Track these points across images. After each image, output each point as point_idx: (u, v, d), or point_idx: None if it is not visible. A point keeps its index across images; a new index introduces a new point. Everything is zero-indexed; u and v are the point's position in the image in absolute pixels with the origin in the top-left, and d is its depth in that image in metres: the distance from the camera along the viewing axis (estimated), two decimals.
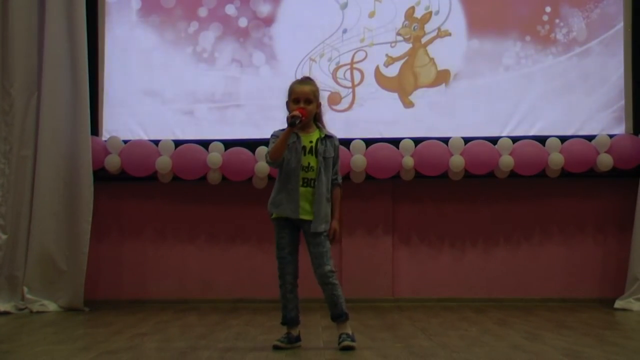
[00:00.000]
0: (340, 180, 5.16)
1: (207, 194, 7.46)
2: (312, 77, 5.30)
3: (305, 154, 5.00)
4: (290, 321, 5.10)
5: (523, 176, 7.25)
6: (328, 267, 4.95)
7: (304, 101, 4.98)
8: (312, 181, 5.00)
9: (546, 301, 7.35)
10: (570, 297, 7.39)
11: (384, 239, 7.43)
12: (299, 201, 4.97)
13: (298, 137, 4.99)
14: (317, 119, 5.12)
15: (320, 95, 5.17)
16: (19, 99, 7.02)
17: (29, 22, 7.07)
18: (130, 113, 7.44)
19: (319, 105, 5.10)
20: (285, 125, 4.94)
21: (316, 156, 5.01)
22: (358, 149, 7.12)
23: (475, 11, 7.44)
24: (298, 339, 5.11)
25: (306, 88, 5.02)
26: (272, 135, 5.07)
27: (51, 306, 6.96)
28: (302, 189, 4.98)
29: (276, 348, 5.02)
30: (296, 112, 4.89)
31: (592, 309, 6.97)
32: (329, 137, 5.10)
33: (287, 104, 5.07)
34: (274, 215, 5.07)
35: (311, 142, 5.03)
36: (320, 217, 4.98)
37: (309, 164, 5.00)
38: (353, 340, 4.95)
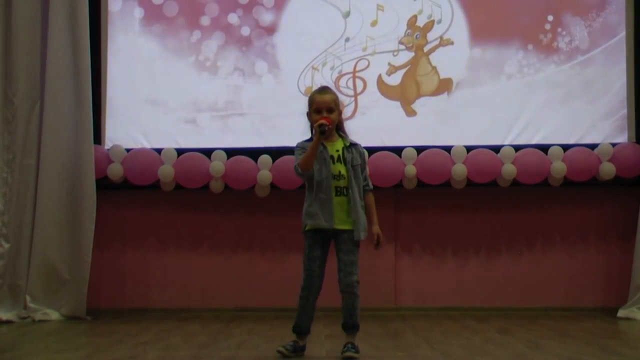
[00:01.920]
0: (371, 186, 5.20)
1: (210, 202, 7.44)
2: (328, 86, 5.38)
3: (334, 163, 5.02)
4: (302, 331, 5.11)
5: (525, 185, 7.23)
6: (355, 277, 4.99)
7: (326, 110, 5.00)
8: (345, 189, 5.02)
9: (549, 310, 7.32)
10: (573, 306, 7.36)
11: (386, 248, 7.34)
12: (334, 210, 4.97)
13: (324, 147, 5.01)
14: (339, 128, 5.15)
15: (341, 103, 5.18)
16: (22, 107, 7.01)
17: (32, 32, 7.06)
18: (132, 122, 7.42)
19: (340, 113, 5.12)
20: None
21: (345, 164, 5.02)
22: None
23: (478, 20, 7.43)
24: (303, 349, 5.11)
25: (327, 97, 5.03)
26: (297, 147, 5.08)
27: (53, 315, 6.92)
28: (336, 198, 5.00)
29: (280, 353, 5.02)
30: (323, 121, 4.90)
31: (595, 318, 6.93)
32: (353, 144, 5.12)
33: (308, 114, 5.08)
34: (307, 227, 5.04)
35: (337, 150, 5.06)
36: (360, 225, 5.00)
37: (339, 172, 5.03)
38: (357, 352, 4.97)
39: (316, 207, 5.00)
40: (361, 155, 5.14)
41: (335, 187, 4.99)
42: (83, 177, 7.01)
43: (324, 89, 5.16)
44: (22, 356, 5.18)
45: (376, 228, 5.11)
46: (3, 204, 6.95)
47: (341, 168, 5.02)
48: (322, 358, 5.09)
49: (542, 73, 7.39)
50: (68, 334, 6.24)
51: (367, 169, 5.23)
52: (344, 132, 5.16)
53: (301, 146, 5.05)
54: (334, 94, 5.09)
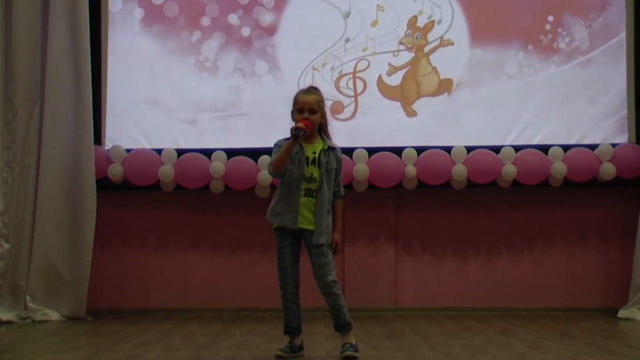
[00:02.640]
0: (342, 192, 5.15)
1: (210, 203, 7.44)
2: (316, 86, 5.27)
3: (308, 165, 4.98)
4: (292, 331, 5.10)
5: (526, 185, 7.22)
6: (331, 278, 4.93)
7: (308, 111, 4.97)
8: (315, 192, 5.00)
9: (549, 310, 7.32)
10: (573, 307, 7.36)
11: (386, 248, 7.41)
12: (300, 211, 4.96)
13: (301, 148, 4.98)
14: (322, 129, 5.10)
15: (326, 105, 5.15)
16: (22, 108, 7.01)
17: (32, 32, 7.05)
18: (133, 122, 7.41)
19: (323, 115, 5.08)
20: (289, 134, 4.91)
21: (319, 167, 4.98)
22: (360, 158, 7.10)
23: (478, 20, 7.43)
24: (301, 348, 5.11)
25: (310, 98, 5.00)
26: (275, 145, 5.06)
27: (54, 315, 6.93)
28: (303, 199, 4.98)
29: (279, 358, 5.01)
30: (300, 124, 4.88)
31: (595, 318, 6.92)
32: (332, 148, 5.08)
33: (292, 113, 5.06)
34: (274, 225, 5.07)
35: (314, 153, 5.02)
36: (322, 228, 4.97)
37: (311, 174, 4.99)
38: (356, 350, 4.94)
39: (281, 207, 5.01)
40: (338, 159, 5.10)
41: (305, 189, 4.98)
42: (83, 178, 7.01)
43: (309, 90, 5.12)
44: (22, 357, 5.18)
45: (337, 235, 5.06)
46: (3, 204, 6.94)
47: (314, 171, 5.00)
48: (322, 358, 5.10)
49: (543, 73, 7.39)
50: (68, 334, 6.24)
51: (342, 174, 5.17)
52: (326, 134, 5.13)
53: (278, 144, 5.03)
54: (319, 95, 5.06)
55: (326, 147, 5.04)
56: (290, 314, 5.07)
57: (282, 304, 5.08)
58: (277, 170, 4.96)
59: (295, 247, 5.04)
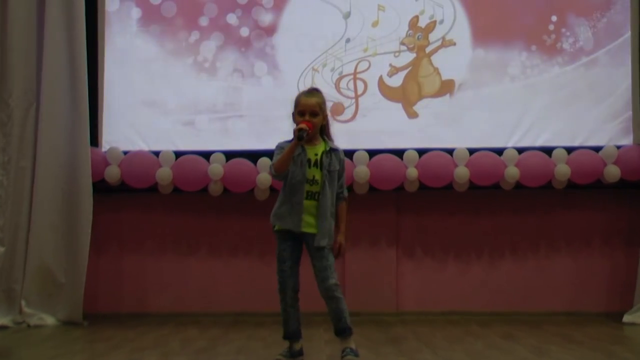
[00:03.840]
0: (345, 194, 5.14)
1: (208, 205, 7.40)
2: (317, 87, 5.26)
3: (310, 167, 4.97)
4: (292, 335, 5.08)
5: (529, 188, 7.18)
6: (332, 281, 4.90)
7: (309, 114, 4.95)
8: (317, 194, 4.97)
9: (553, 315, 7.26)
10: (577, 311, 7.31)
11: (387, 252, 7.38)
12: (303, 214, 4.93)
13: (303, 150, 4.96)
14: (323, 131, 5.09)
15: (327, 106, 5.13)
16: (17, 109, 6.95)
17: (28, 32, 7.00)
18: (130, 124, 7.37)
19: (325, 117, 5.06)
20: (291, 136, 4.90)
21: (321, 169, 4.97)
22: (361, 160, 7.07)
23: (480, 20, 7.39)
24: (300, 353, 5.08)
25: (312, 100, 4.98)
26: (276, 147, 5.04)
27: (49, 320, 6.88)
28: (306, 202, 4.95)
29: None
30: (303, 125, 4.86)
31: (600, 323, 6.88)
32: (334, 150, 5.07)
33: (293, 115, 5.03)
34: (276, 228, 5.04)
35: (316, 154, 5.01)
36: (324, 231, 4.95)
37: (313, 177, 4.97)
38: (356, 355, 4.90)
39: (285, 210, 4.99)
40: (340, 161, 5.09)
41: (307, 192, 4.96)
42: (80, 180, 6.96)
43: (310, 92, 5.10)
44: None
45: (341, 237, 5.05)
46: None
47: (316, 173, 4.99)
48: None
49: (546, 74, 7.35)
50: (64, 339, 6.21)
51: (344, 176, 5.17)
52: (328, 136, 5.12)
53: (280, 146, 5.01)
54: (320, 97, 5.04)
55: (328, 148, 5.04)
56: (289, 318, 5.05)
57: (281, 308, 5.07)
58: (279, 172, 4.93)
59: (296, 251, 5.03)
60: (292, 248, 5.02)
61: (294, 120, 5.00)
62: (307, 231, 4.96)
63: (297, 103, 5.01)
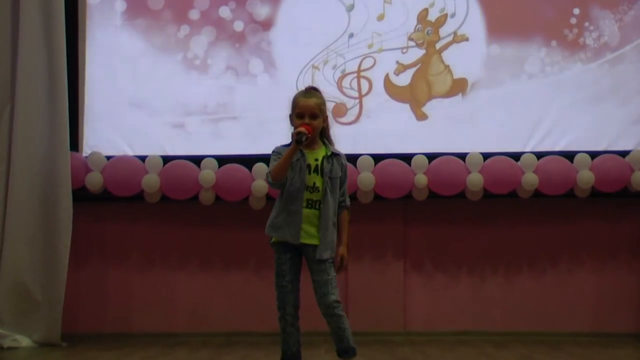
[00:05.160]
0: (348, 203, 4.97)
1: (199, 215, 7.21)
2: (316, 87, 5.08)
3: (310, 173, 4.81)
4: (291, 357, 4.89)
5: (549, 196, 6.96)
6: (333, 297, 4.73)
7: (308, 116, 4.78)
8: (318, 203, 4.80)
9: (575, 335, 7.05)
10: (602, 332, 7.09)
11: (394, 266, 7.17)
12: (302, 224, 4.76)
13: (302, 155, 4.79)
14: (323, 135, 4.93)
15: (327, 107, 4.98)
16: None
17: (2, 27, 6.87)
18: (114, 126, 7.21)
19: (325, 119, 4.90)
20: (288, 140, 4.74)
21: (322, 175, 4.82)
22: (366, 166, 6.88)
23: (496, 13, 7.19)
24: None
25: (311, 102, 4.81)
26: (273, 152, 4.88)
27: (24, 341, 6.67)
28: (306, 211, 4.78)
29: None
30: (302, 129, 4.71)
31: (627, 344, 6.70)
32: (335, 155, 4.90)
33: (291, 117, 4.88)
34: (273, 240, 4.86)
35: (316, 160, 4.84)
36: (326, 242, 4.77)
37: (314, 184, 4.80)
38: None
39: (282, 220, 4.82)
40: (342, 167, 4.94)
41: (307, 200, 4.79)
42: (58, 188, 6.78)
43: (309, 91, 4.94)
44: None
45: (343, 249, 4.88)
46: None
47: (317, 179, 4.82)
48: None
49: (567, 72, 7.14)
50: None
51: (347, 183, 5.00)
52: (328, 139, 4.96)
53: (277, 151, 4.86)
54: (320, 97, 4.89)
55: (329, 153, 4.88)
56: (288, 338, 4.85)
57: (280, 327, 4.87)
58: (277, 179, 4.75)
59: (295, 264, 4.84)
60: (291, 261, 4.82)
61: (292, 122, 4.85)
62: (306, 242, 4.77)
63: (295, 104, 4.85)
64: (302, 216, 4.76)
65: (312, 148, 4.84)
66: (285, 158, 4.68)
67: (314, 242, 4.76)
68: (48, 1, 6.79)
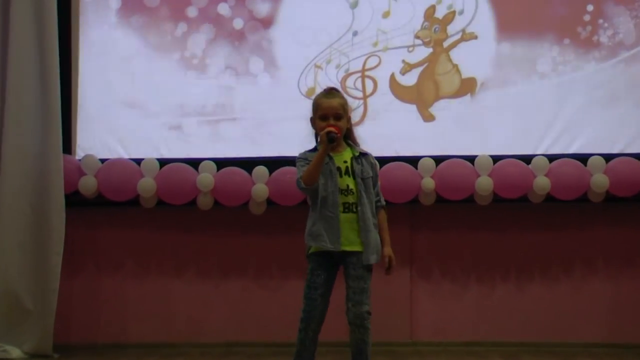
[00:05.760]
0: (384, 202, 4.97)
1: (197, 221, 7.10)
2: (336, 87, 5.16)
3: (341, 176, 4.82)
4: None
5: (561, 201, 6.82)
6: (366, 307, 4.75)
7: (333, 117, 4.78)
8: (354, 206, 4.78)
9: (589, 346, 6.92)
10: (617, 342, 6.94)
11: (400, 273, 6.92)
12: (341, 230, 4.74)
13: (330, 158, 4.80)
14: (347, 136, 4.95)
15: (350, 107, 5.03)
16: None
17: None
18: (108, 128, 7.12)
19: (349, 119, 4.91)
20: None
21: (354, 177, 4.82)
22: None
23: (506, 10, 7.07)
24: None
25: (335, 102, 4.82)
26: (298, 159, 4.89)
27: (14, 352, 6.55)
28: (343, 216, 4.75)
29: None
30: (331, 128, 4.71)
31: None
32: (363, 154, 4.92)
33: (312, 120, 4.89)
34: (311, 250, 4.83)
35: (345, 162, 4.86)
36: (371, 246, 4.77)
37: (347, 186, 4.80)
38: None
39: (320, 227, 4.75)
40: (373, 166, 4.92)
41: (343, 204, 4.75)
42: (50, 192, 6.67)
43: (331, 92, 4.92)
44: None
45: (388, 250, 4.87)
46: None
47: (349, 181, 4.78)
48: None
49: (581, 71, 7.00)
50: None
51: (379, 182, 4.98)
52: (353, 140, 4.94)
53: (304, 157, 4.84)
54: (342, 97, 4.91)
55: (357, 154, 4.90)
56: (304, 351, 4.83)
57: (298, 338, 4.81)
58: (309, 183, 4.72)
59: (331, 277, 4.84)
60: (327, 274, 4.81)
61: (314, 126, 4.87)
62: (348, 249, 4.73)
63: (318, 106, 4.83)
64: (340, 221, 4.72)
65: (338, 151, 4.84)
66: (316, 160, 4.66)
67: (356, 248, 4.73)
68: None
